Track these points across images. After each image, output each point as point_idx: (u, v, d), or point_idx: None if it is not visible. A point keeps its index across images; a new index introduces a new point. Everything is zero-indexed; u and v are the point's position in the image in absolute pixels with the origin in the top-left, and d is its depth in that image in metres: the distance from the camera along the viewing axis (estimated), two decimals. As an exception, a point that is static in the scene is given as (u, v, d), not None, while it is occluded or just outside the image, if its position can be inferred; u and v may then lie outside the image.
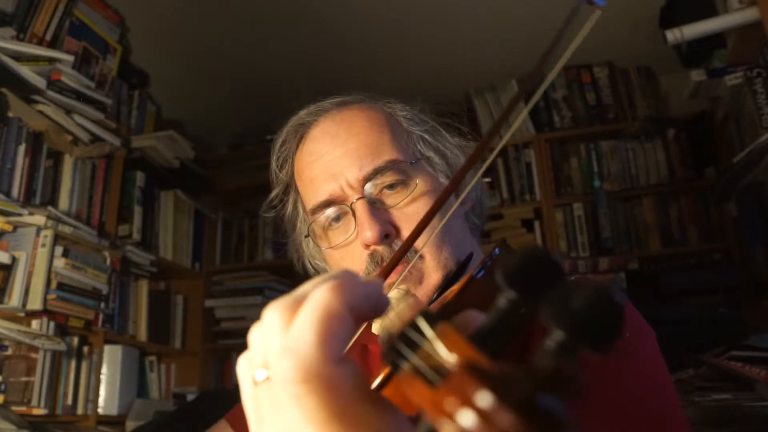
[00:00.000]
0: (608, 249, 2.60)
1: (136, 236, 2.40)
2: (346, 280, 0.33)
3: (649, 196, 2.66)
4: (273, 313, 0.33)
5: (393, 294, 0.71)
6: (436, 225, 0.72)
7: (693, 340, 1.75)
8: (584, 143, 2.78)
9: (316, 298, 0.31)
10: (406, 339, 0.29)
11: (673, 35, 1.99)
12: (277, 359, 0.30)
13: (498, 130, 0.67)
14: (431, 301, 0.73)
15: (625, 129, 2.73)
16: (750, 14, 1.88)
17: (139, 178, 2.49)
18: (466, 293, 0.49)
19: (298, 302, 0.32)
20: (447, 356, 0.27)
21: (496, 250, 0.57)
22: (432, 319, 0.29)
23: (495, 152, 0.71)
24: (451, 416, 0.24)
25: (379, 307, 0.34)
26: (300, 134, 0.85)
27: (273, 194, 0.90)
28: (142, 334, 2.47)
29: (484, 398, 0.24)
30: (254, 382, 0.33)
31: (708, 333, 1.89)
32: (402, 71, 2.74)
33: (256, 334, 0.34)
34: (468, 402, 0.24)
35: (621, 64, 2.82)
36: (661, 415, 0.59)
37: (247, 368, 0.35)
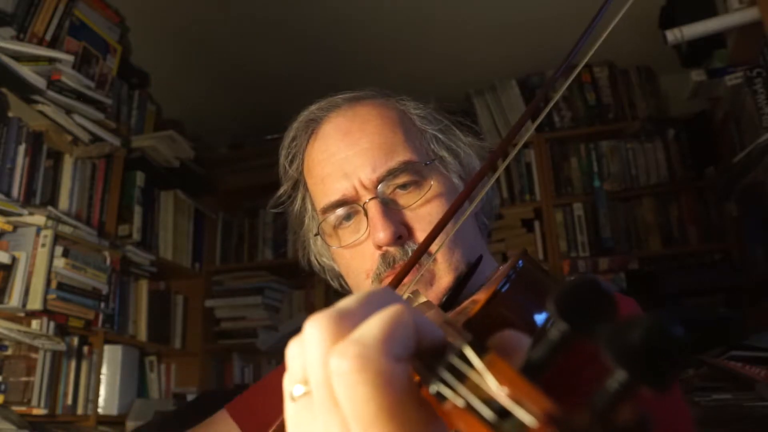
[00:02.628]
0: (608, 249, 2.60)
1: (136, 236, 2.40)
2: (410, 308, 0.33)
3: (649, 196, 2.66)
4: (316, 325, 0.32)
5: (405, 296, 0.70)
6: (449, 229, 0.71)
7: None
8: (584, 143, 2.78)
9: (388, 309, 0.31)
10: (451, 368, 0.28)
11: (673, 35, 1.99)
12: (334, 357, 0.30)
13: (513, 136, 0.67)
14: (441, 303, 0.72)
15: (625, 129, 2.73)
16: (750, 14, 1.88)
17: (139, 178, 2.49)
18: (491, 308, 0.48)
19: (345, 318, 0.32)
20: (498, 389, 0.27)
21: (520, 262, 0.55)
22: (479, 349, 0.28)
23: (510, 156, 0.71)
24: None
25: (432, 345, 0.33)
26: (311, 130, 0.83)
27: (282, 190, 0.89)
28: (142, 334, 2.47)
29: None
30: (292, 398, 0.33)
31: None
32: (402, 71, 2.74)
33: (294, 349, 0.34)
34: None
35: (621, 64, 2.82)
36: (671, 422, 0.58)
37: (287, 384, 0.34)
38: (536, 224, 2.72)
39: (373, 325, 0.30)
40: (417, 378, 0.31)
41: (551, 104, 0.73)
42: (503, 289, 0.49)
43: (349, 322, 0.32)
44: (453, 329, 0.36)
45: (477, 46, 2.67)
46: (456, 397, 0.28)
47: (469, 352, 0.28)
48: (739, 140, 2.15)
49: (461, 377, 0.28)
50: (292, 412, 0.34)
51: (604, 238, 2.60)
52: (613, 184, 2.70)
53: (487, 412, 0.26)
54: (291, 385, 0.33)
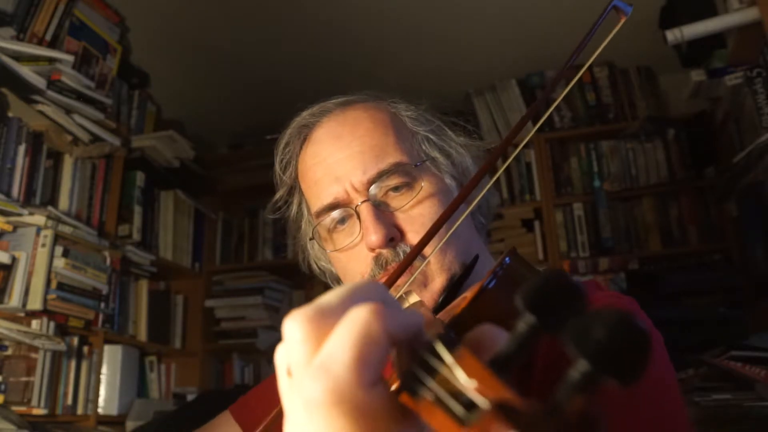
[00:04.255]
0: (608, 249, 2.60)
1: (136, 236, 2.40)
2: (388, 304, 0.31)
3: (649, 196, 2.66)
4: (295, 325, 0.32)
5: (398, 298, 0.70)
6: (443, 232, 0.71)
7: (693, 340, 1.76)
8: (584, 143, 2.78)
9: (355, 319, 0.30)
10: (423, 364, 0.28)
11: (673, 35, 1.99)
12: (308, 379, 0.29)
13: (513, 137, 0.67)
14: (436, 304, 0.73)
15: (625, 129, 2.73)
16: (750, 14, 1.88)
17: (139, 178, 2.49)
18: (477, 304, 0.48)
19: (325, 315, 0.31)
20: (466, 383, 0.27)
21: (507, 259, 0.56)
22: (450, 343, 0.28)
23: (509, 160, 0.71)
24: None
25: (417, 340, 0.32)
26: (303, 136, 0.84)
27: (277, 196, 0.90)
28: (142, 334, 2.47)
29: None
30: (289, 373, 0.33)
31: (708, 333, 1.89)
32: (402, 71, 2.74)
33: (282, 346, 0.33)
34: None
35: (621, 64, 2.82)
36: (667, 421, 0.58)
37: (284, 359, 0.34)
38: (536, 224, 2.72)
39: (341, 348, 0.29)
40: (395, 384, 0.31)
41: (552, 107, 0.73)
42: (489, 286, 0.49)
43: (330, 319, 0.31)
44: (433, 327, 0.36)
45: (477, 46, 2.67)
46: (426, 392, 0.28)
47: (440, 347, 0.28)
48: (739, 140, 2.15)
49: (432, 372, 0.28)
50: (286, 391, 0.33)
51: (604, 238, 2.60)
52: (613, 184, 2.70)
53: (455, 406, 0.27)
54: (285, 360, 0.33)
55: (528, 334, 0.28)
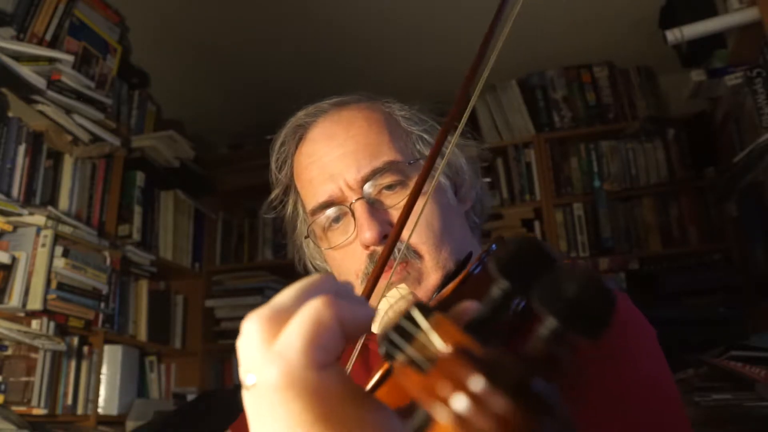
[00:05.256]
0: (608, 249, 2.60)
1: (136, 236, 2.40)
2: (340, 294, 0.33)
3: (649, 196, 2.66)
4: (252, 324, 0.33)
5: (393, 293, 0.71)
6: (434, 222, 0.74)
7: (693, 340, 1.75)
8: (584, 143, 2.78)
9: (308, 309, 0.32)
10: (400, 330, 0.29)
11: (673, 35, 2.00)
12: (263, 366, 0.31)
13: (467, 89, 0.67)
14: (430, 301, 0.73)
15: (625, 129, 2.73)
16: (750, 14, 1.88)
17: (139, 178, 2.49)
18: (463, 289, 0.49)
19: (279, 313, 0.33)
20: (441, 346, 0.27)
21: (494, 246, 0.57)
22: (426, 310, 0.29)
23: (466, 115, 0.70)
24: (445, 401, 0.25)
25: (363, 328, 0.34)
26: (299, 135, 0.85)
27: (273, 195, 0.91)
28: (142, 334, 2.47)
29: (477, 382, 0.24)
30: (245, 387, 0.34)
31: (708, 333, 1.89)
32: (402, 71, 2.74)
33: (241, 344, 0.35)
34: (461, 386, 0.24)
35: (621, 64, 2.82)
36: (660, 414, 0.59)
37: (242, 373, 0.35)
38: (536, 224, 2.72)
39: (293, 334, 0.31)
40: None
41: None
42: (475, 272, 0.51)
43: (284, 315, 0.33)
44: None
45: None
46: (402, 357, 0.28)
47: (416, 314, 0.29)
48: (739, 140, 2.15)
49: (409, 338, 0.29)
50: (247, 400, 0.34)
51: (604, 238, 2.60)
52: (613, 184, 2.70)
53: (428, 366, 0.27)
54: (243, 374, 0.34)
55: (501, 298, 0.29)
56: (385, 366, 0.31)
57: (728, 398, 1.48)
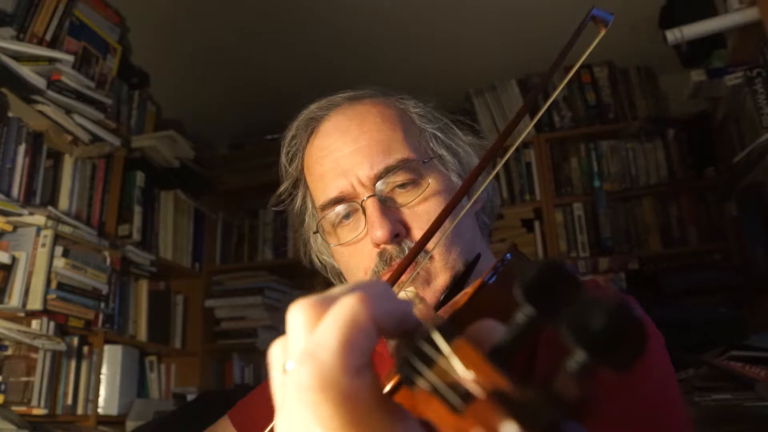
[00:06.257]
0: (608, 249, 2.60)
1: (136, 236, 2.40)
2: (378, 292, 0.32)
3: (649, 196, 2.66)
4: (297, 312, 0.33)
5: (400, 295, 0.70)
6: (447, 226, 0.72)
7: (693, 340, 1.75)
8: (584, 143, 2.78)
9: (343, 305, 0.31)
10: (420, 353, 0.28)
11: (673, 35, 2.00)
12: (298, 363, 0.30)
13: (510, 132, 0.67)
14: (438, 302, 0.72)
15: (625, 129, 2.73)
16: (750, 14, 1.88)
17: (139, 178, 2.49)
18: (478, 299, 0.48)
19: (326, 304, 0.32)
20: (464, 373, 0.27)
21: (508, 255, 0.56)
22: (447, 334, 0.28)
23: (509, 153, 0.71)
24: None
25: (405, 326, 0.33)
26: (311, 128, 0.84)
27: (282, 188, 0.89)
28: (142, 334, 2.47)
29: (510, 428, 0.23)
30: (284, 370, 0.34)
31: (708, 333, 1.88)
32: (402, 71, 2.74)
33: (289, 328, 0.34)
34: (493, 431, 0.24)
35: (621, 64, 2.82)
36: (665, 421, 0.58)
37: (280, 355, 0.35)
38: (536, 224, 2.72)
39: (328, 333, 0.30)
40: (393, 380, 0.31)
41: (549, 101, 0.73)
42: (490, 281, 0.50)
43: (328, 306, 0.32)
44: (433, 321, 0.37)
45: (477, 46, 2.67)
46: (423, 382, 0.28)
47: (437, 337, 0.28)
48: (739, 140, 2.15)
49: (429, 362, 0.28)
50: (280, 383, 0.34)
51: (604, 238, 2.60)
52: (613, 184, 2.70)
53: (451, 396, 0.26)
54: (284, 357, 0.34)
55: (526, 324, 0.28)
56: (397, 379, 0.31)
57: (728, 398, 1.48)
